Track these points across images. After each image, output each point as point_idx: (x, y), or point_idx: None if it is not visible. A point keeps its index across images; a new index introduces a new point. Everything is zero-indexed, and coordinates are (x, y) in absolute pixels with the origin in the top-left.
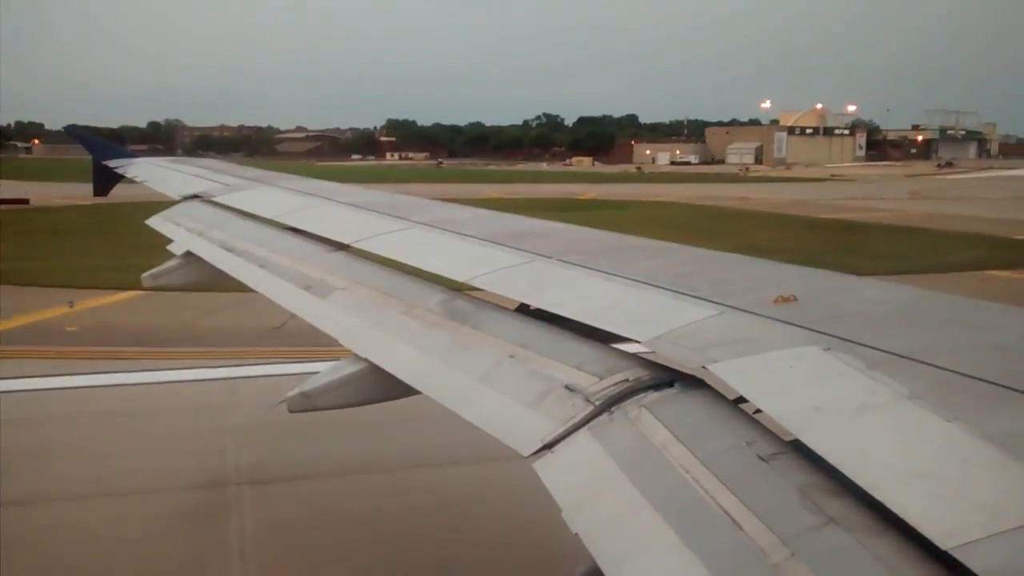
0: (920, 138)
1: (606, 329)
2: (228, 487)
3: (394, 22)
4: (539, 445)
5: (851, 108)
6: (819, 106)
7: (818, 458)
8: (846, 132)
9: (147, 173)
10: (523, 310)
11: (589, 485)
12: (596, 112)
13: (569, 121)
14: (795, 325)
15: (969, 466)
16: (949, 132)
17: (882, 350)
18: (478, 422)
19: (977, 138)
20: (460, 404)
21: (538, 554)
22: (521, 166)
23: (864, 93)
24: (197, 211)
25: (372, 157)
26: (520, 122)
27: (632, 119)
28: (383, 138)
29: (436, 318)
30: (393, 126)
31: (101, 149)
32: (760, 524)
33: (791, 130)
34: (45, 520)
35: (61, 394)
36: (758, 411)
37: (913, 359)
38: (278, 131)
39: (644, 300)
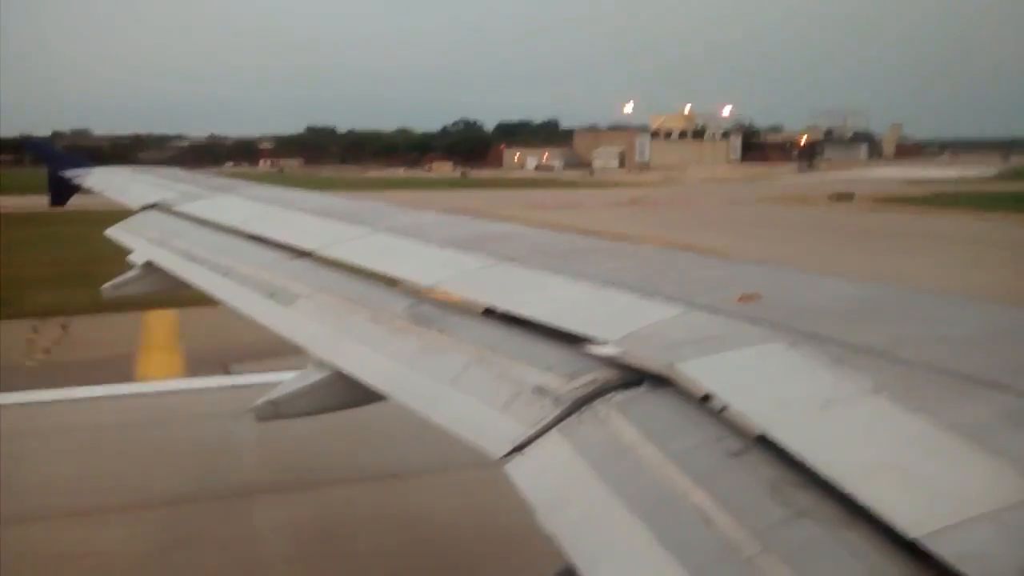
0: (803, 140)
1: (573, 330)
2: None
3: (343, 24)
4: (510, 448)
5: (726, 111)
6: (687, 109)
7: (786, 453)
8: (719, 135)
9: (105, 183)
10: (490, 313)
11: (561, 486)
12: (522, 117)
13: (490, 126)
14: (760, 322)
15: (934, 456)
16: (837, 133)
17: (846, 344)
18: (448, 426)
19: (868, 139)
20: (429, 408)
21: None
22: (376, 173)
23: (766, 96)
24: (157, 220)
25: (246, 164)
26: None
27: (553, 124)
28: (263, 146)
29: (402, 323)
30: (313, 132)
31: (57, 160)
32: (731, 519)
33: (654, 133)
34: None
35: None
36: (725, 408)
37: (877, 353)
38: (168, 138)
39: (610, 300)
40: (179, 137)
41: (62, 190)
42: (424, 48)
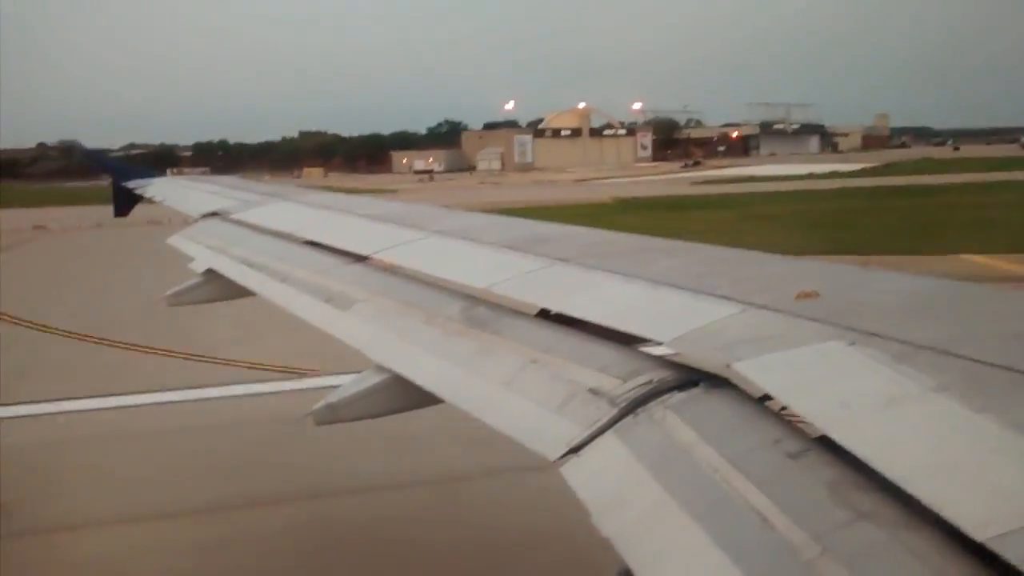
0: (736, 134)
1: (628, 331)
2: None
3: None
4: (565, 449)
5: (636, 106)
6: (582, 105)
7: (847, 454)
8: (621, 132)
9: (165, 192)
10: (544, 315)
11: (617, 488)
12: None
13: (477, 126)
14: (818, 321)
15: (1000, 456)
16: (777, 127)
17: (907, 342)
18: (503, 428)
19: (819, 131)
20: (484, 411)
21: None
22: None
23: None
24: (216, 229)
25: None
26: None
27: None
28: (184, 154)
29: (457, 326)
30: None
31: (122, 171)
32: (790, 522)
33: (539, 132)
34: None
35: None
36: (784, 408)
37: (939, 350)
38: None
39: (664, 300)
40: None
41: (125, 200)
42: (417, 48)
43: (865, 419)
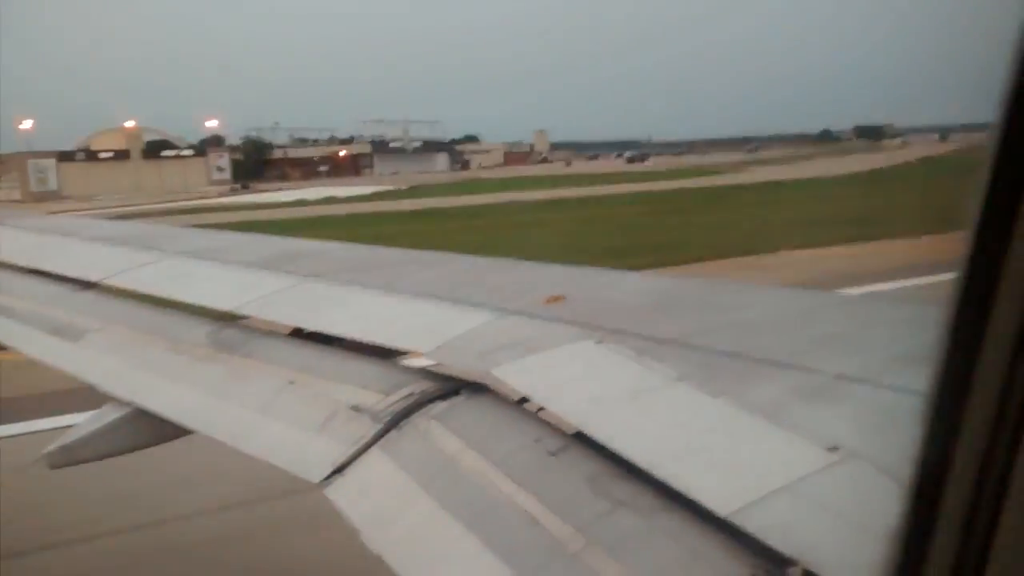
0: (343, 153)
1: (387, 344)
2: None
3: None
4: (330, 470)
5: (211, 124)
6: (130, 124)
7: (602, 447)
8: (186, 152)
9: None
10: (298, 334)
11: (385, 503)
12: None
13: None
14: (567, 322)
15: (736, 436)
16: (394, 144)
17: (650, 337)
18: (262, 455)
19: (446, 149)
20: (240, 439)
21: None
22: None
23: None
24: None
25: None
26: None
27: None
28: None
29: (205, 351)
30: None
31: None
32: (555, 517)
33: (66, 155)
34: None
35: None
36: (542, 408)
37: (679, 343)
38: None
39: (422, 312)
40: None
41: None
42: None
43: (615, 412)
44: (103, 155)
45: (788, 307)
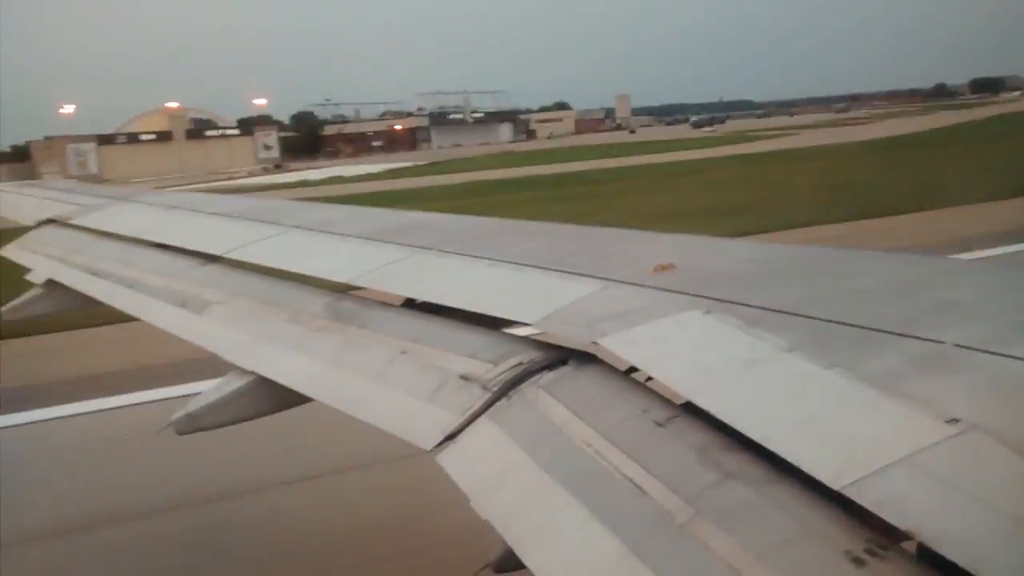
0: (398, 127)
1: (495, 315)
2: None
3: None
4: (441, 438)
5: (259, 102)
6: (172, 104)
7: (711, 418)
8: (232, 132)
9: None
10: (410, 305)
11: (494, 471)
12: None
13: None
14: (676, 292)
15: (850, 408)
16: (453, 116)
17: (760, 307)
18: (376, 422)
19: (512, 118)
20: (355, 406)
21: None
22: None
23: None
24: (55, 236)
25: None
26: None
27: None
28: None
29: (322, 322)
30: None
31: None
32: (663, 487)
33: (107, 139)
34: None
35: None
36: (650, 379)
37: (789, 312)
38: None
39: (529, 282)
40: None
41: None
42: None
43: (725, 383)
44: (145, 137)
45: (904, 274)
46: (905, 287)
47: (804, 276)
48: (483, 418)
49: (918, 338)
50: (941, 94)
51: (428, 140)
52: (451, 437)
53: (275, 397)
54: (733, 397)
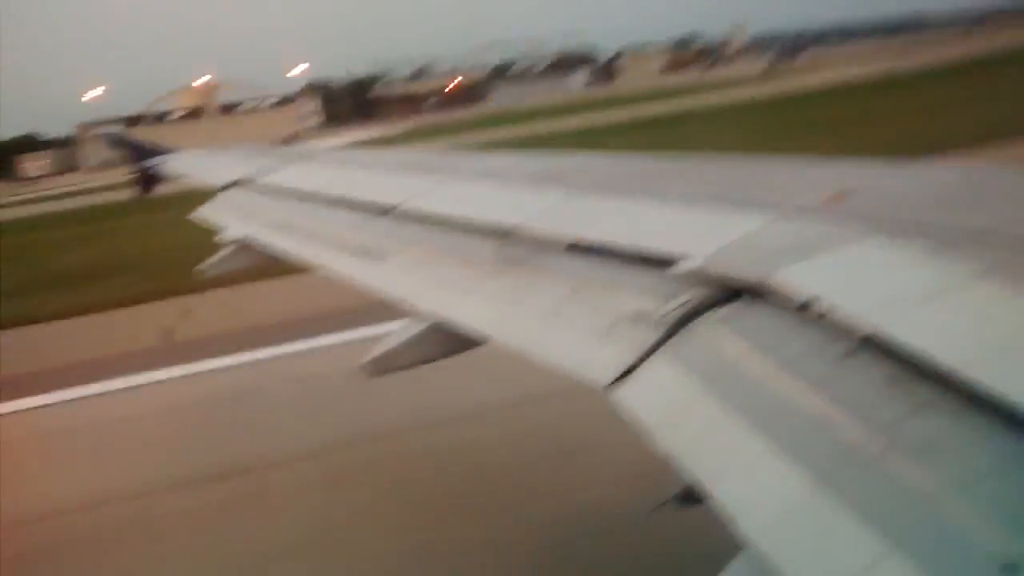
0: (454, 84)
1: (664, 252)
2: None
3: None
4: (615, 375)
5: (301, 68)
6: (201, 80)
7: (898, 350)
8: (268, 103)
9: (184, 167)
10: (575, 246)
11: (673, 406)
12: None
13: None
14: (851, 220)
15: None
16: (517, 67)
17: (946, 230)
18: (550, 361)
19: (587, 62)
20: (529, 346)
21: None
22: None
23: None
24: (242, 196)
25: None
26: None
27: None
28: None
29: (493, 267)
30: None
31: (138, 150)
32: (851, 420)
33: (133, 120)
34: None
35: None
36: (828, 311)
37: (978, 236)
38: None
39: (695, 218)
40: None
41: (147, 179)
42: None
43: (912, 312)
44: (174, 115)
45: None
46: None
47: (991, 198)
48: (658, 354)
49: None
50: None
51: (485, 95)
52: (626, 374)
53: (453, 340)
54: (922, 327)
